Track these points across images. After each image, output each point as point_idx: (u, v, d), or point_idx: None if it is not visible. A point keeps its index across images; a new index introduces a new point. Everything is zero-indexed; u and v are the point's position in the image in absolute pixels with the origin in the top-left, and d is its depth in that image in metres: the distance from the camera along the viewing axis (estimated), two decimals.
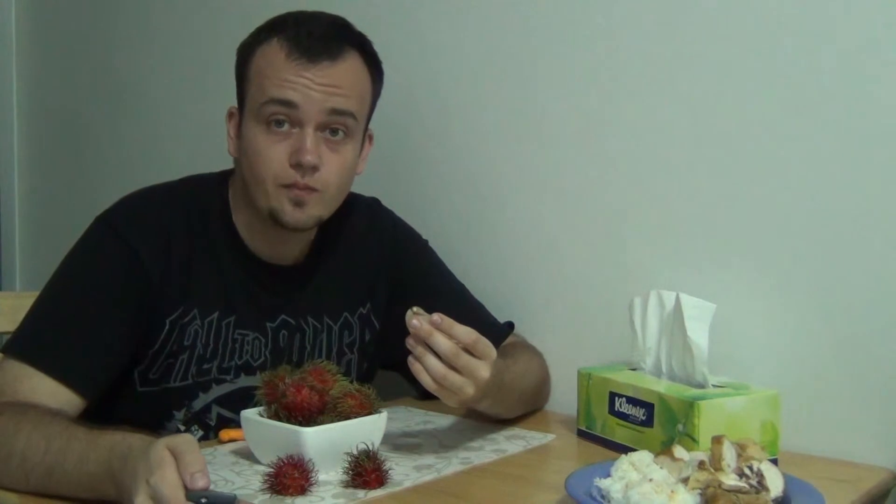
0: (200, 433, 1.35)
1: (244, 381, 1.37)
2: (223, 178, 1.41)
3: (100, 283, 1.28)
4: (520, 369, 1.38)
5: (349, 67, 1.31)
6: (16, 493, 1.07)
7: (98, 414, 1.29)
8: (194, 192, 1.38)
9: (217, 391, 1.36)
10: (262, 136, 1.28)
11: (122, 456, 0.98)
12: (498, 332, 1.50)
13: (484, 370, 1.15)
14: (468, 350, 1.14)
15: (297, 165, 1.27)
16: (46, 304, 1.28)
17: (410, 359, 1.14)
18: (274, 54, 1.29)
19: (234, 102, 1.37)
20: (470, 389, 1.15)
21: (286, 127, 1.28)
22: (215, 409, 1.36)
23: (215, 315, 1.35)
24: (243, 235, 1.37)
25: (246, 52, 1.33)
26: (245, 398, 1.32)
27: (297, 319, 1.42)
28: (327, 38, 1.30)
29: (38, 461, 1.05)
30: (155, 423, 1.34)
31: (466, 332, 1.14)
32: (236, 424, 1.32)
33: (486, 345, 1.16)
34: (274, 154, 1.27)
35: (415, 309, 1.14)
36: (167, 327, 1.31)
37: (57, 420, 1.10)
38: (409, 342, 1.13)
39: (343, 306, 1.46)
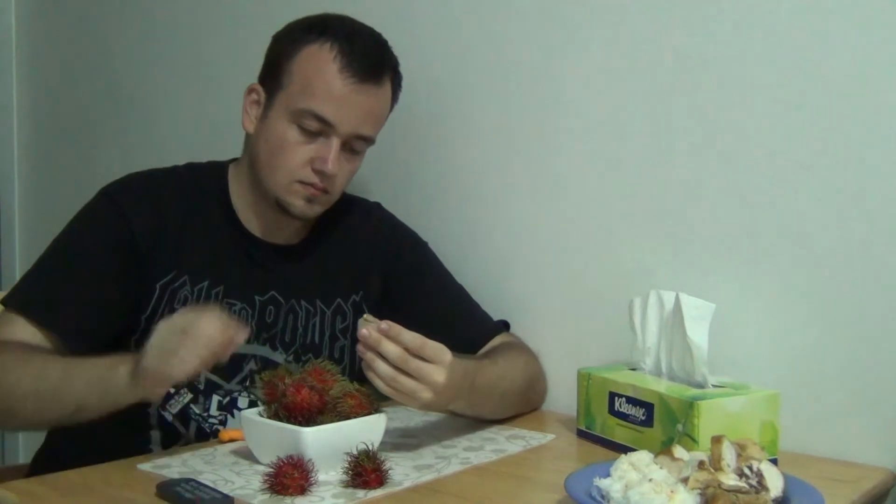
0: (190, 396, 1.37)
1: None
2: (223, 162, 1.48)
3: (88, 240, 1.37)
4: (498, 370, 1.38)
5: (385, 96, 1.41)
6: (14, 491, 1.07)
7: None
8: (195, 173, 1.47)
9: None
10: (292, 135, 1.35)
11: (132, 355, 1.15)
12: (488, 330, 1.51)
13: (437, 374, 1.17)
14: (420, 355, 1.16)
15: (319, 171, 1.36)
16: (39, 262, 1.38)
17: (363, 365, 1.18)
18: (325, 63, 1.34)
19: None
20: (426, 394, 1.17)
21: (314, 130, 1.35)
22: (203, 374, 1.37)
23: (205, 284, 1.39)
24: (240, 213, 1.44)
25: (289, 46, 1.38)
26: (230, 364, 1.35)
27: (288, 299, 1.45)
28: (376, 59, 1.38)
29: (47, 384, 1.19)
30: None
31: (413, 338, 1.16)
32: (223, 391, 1.36)
33: (435, 348, 1.18)
34: (298, 153, 1.36)
35: (366, 316, 1.19)
36: (157, 292, 1.36)
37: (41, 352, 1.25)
38: (360, 349, 1.17)
39: (336, 292, 1.49)
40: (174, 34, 2.16)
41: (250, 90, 1.41)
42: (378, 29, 1.42)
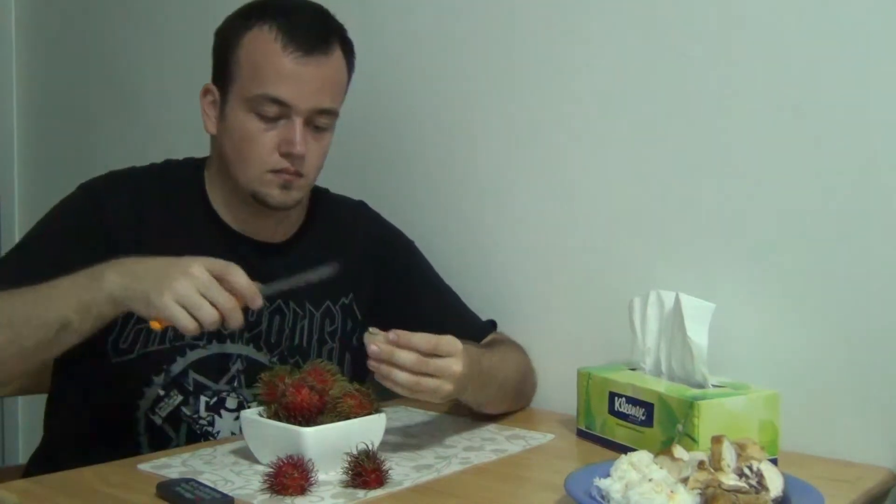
0: (180, 398, 1.36)
1: (216, 347, 1.38)
2: (199, 161, 1.47)
3: (59, 230, 1.36)
4: (497, 358, 1.38)
5: (336, 63, 1.37)
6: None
7: (75, 393, 1.36)
8: (171, 171, 1.46)
9: (192, 356, 1.37)
10: (253, 124, 1.34)
11: (118, 264, 1.17)
12: (479, 329, 1.52)
13: (455, 365, 1.19)
14: (436, 353, 1.17)
15: (287, 155, 1.34)
16: (8, 252, 1.38)
17: (377, 377, 1.18)
18: (266, 44, 1.32)
19: None
20: (447, 385, 1.19)
21: (273, 115, 1.33)
22: (192, 374, 1.36)
23: None
24: (220, 211, 1.42)
25: (231, 36, 1.37)
26: (217, 365, 1.37)
27: (274, 299, 1.43)
28: (319, 30, 1.35)
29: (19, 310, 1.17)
30: (134, 392, 1.34)
31: (425, 340, 1.17)
32: (211, 391, 1.36)
33: (447, 343, 1.19)
34: (264, 141, 1.34)
35: (371, 330, 1.18)
36: None
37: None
38: (372, 364, 1.17)
39: (325, 294, 1.47)
40: (174, 33, 2.16)
41: (205, 91, 1.40)
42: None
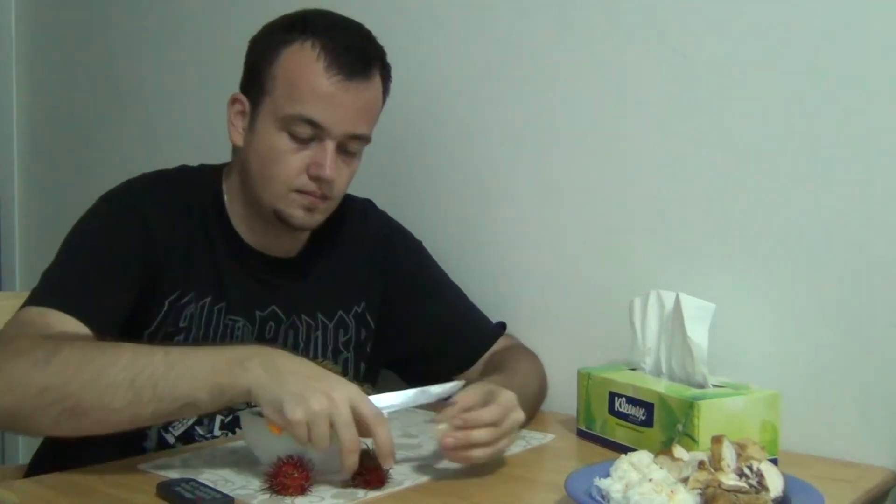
0: (194, 417, 1.34)
1: None
2: (215, 169, 1.43)
3: (108, 237, 1.29)
4: (519, 379, 1.36)
5: (375, 90, 1.34)
6: (16, 492, 1.07)
7: None
8: (188, 180, 1.41)
9: None
10: (283, 143, 1.30)
11: (265, 354, 1.09)
12: (489, 333, 1.51)
13: (517, 414, 1.16)
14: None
15: (316, 178, 1.30)
16: (62, 266, 1.28)
17: (455, 461, 1.14)
18: (308, 62, 1.28)
19: None
20: (514, 435, 1.18)
21: (306, 136, 1.29)
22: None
23: (208, 300, 1.35)
24: (237, 226, 1.39)
25: (268, 49, 1.32)
26: None
27: (289, 314, 1.41)
28: (362, 54, 1.32)
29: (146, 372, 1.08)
30: None
31: (495, 412, 1.13)
32: (227, 409, 1.32)
33: (508, 399, 1.16)
34: (292, 162, 1.30)
35: (440, 427, 1.12)
36: (165, 308, 1.31)
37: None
38: (450, 455, 1.13)
39: (338, 304, 1.46)
40: (174, 34, 2.16)
41: (233, 100, 1.35)
42: (374, 27, 1.40)
